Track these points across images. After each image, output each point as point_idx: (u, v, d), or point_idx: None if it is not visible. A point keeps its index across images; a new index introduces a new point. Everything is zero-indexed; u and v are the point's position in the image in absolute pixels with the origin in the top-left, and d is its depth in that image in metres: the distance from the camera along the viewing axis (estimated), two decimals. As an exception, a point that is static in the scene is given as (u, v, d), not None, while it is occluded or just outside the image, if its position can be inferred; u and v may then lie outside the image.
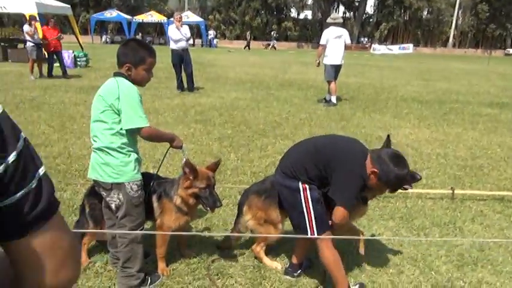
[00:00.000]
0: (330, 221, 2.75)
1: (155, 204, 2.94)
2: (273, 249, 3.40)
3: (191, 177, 2.83)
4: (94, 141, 2.71)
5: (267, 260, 3.25)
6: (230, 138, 6.94)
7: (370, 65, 25.39)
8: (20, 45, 20.40)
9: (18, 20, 28.32)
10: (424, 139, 7.43)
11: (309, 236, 2.72)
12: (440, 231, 3.92)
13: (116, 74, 2.70)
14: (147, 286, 2.86)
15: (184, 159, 2.88)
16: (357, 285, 2.88)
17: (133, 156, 2.72)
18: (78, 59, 17.57)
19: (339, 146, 2.79)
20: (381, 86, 14.46)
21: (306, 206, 2.69)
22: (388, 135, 3.19)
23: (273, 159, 5.84)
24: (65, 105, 9.13)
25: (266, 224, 3.12)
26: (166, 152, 3.08)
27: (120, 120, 2.58)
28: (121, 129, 2.61)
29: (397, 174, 2.60)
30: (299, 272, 3.16)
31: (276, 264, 3.24)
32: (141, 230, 2.83)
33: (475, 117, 9.67)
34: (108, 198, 2.76)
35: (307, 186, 2.69)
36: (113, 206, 2.75)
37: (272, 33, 48.34)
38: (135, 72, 2.67)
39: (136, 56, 2.65)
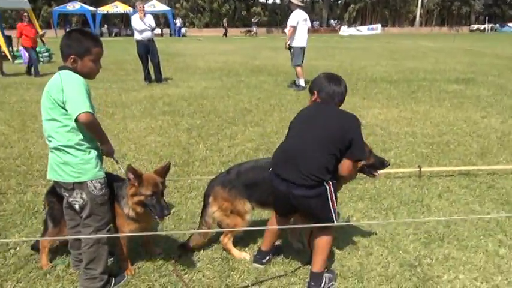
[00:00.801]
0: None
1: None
2: (241, 240, 3.34)
3: (136, 184, 2.66)
4: (49, 141, 2.55)
5: (235, 251, 3.19)
6: (199, 128, 6.81)
7: (339, 47, 25.49)
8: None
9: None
10: (392, 118, 7.50)
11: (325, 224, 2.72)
12: (408, 209, 3.96)
13: (60, 68, 2.54)
14: (111, 287, 2.76)
15: (125, 166, 2.71)
16: (326, 273, 2.85)
17: (94, 153, 2.58)
18: (40, 55, 16.93)
19: (329, 116, 2.74)
20: (351, 68, 14.52)
21: (331, 201, 2.65)
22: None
23: (243, 148, 5.77)
24: (26, 104, 8.76)
25: (232, 215, 3.05)
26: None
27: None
28: (75, 126, 2.48)
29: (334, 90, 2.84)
30: (268, 258, 3.13)
31: (245, 255, 3.19)
32: (108, 229, 2.70)
33: (442, 94, 9.83)
34: (70, 199, 2.62)
35: (330, 183, 2.64)
36: (77, 206, 2.62)
37: (253, 19, 47.78)
38: (81, 64, 2.52)
39: (80, 46, 2.50)
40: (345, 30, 47.93)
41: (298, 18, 10.26)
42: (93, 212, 2.62)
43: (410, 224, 3.69)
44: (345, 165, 2.67)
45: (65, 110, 2.43)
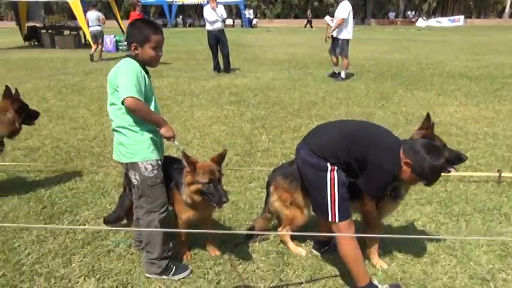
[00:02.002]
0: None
1: (171, 191, 2.86)
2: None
3: (190, 172, 2.67)
4: (112, 124, 2.69)
5: (291, 245, 3.13)
6: (263, 119, 6.80)
7: (416, 39, 24.11)
8: (66, 32, 21.19)
9: (65, 7, 29.28)
10: (471, 117, 6.93)
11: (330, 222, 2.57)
12: (483, 217, 3.62)
13: (126, 56, 2.65)
14: (170, 275, 2.78)
15: (181, 152, 2.72)
16: (387, 287, 2.64)
17: (147, 135, 2.63)
18: (119, 44, 17.99)
19: (374, 138, 2.57)
20: (427, 62, 13.68)
21: (331, 188, 2.53)
22: (428, 114, 2.97)
23: (306, 141, 5.65)
24: (105, 89, 9.25)
25: (292, 207, 2.99)
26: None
27: None
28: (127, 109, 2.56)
29: (431, 164, 2.43)
30: (326, 248, 3.09)
31: (301, 250, 3.11)
32: (162, 212, 2.75)
33: (531, 93, 8.90)
34: (131, 178, 2.73)
35: (335, 168, 2.53)
36: (134, 186, 2.73)
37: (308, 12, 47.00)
38: (142, 52, 2.58)
39: (140, 34, 2.57)
40: (422, 22, 45.28)
41: (349, 9, 9.96)
42: (144, 194, 2.69)
43: (484, 233, 3.37)
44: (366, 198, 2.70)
45: None
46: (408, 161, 2.46)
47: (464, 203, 3.89)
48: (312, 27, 41.44)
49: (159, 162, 2.72)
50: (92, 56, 14.27)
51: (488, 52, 16.90)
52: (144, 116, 2.57)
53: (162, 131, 2.67)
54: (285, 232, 3.10)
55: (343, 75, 10.42)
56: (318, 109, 7.50)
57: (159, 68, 12.40)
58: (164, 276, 2.78)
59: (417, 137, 2.90)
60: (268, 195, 3.10)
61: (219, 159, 2.78)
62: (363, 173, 2.54)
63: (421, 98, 8.43)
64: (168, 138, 2.73)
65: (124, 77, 2.49)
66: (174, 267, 2.82)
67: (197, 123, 6.55)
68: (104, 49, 15.24)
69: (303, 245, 3.22)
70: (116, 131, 2.65)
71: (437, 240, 3.25)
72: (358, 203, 2.77)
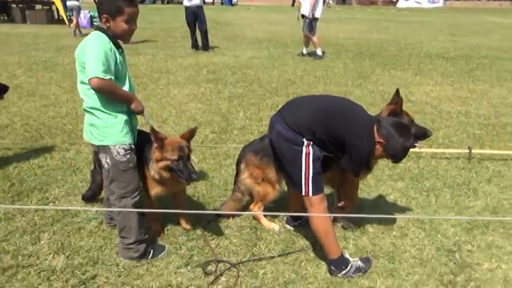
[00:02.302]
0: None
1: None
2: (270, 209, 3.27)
3: (159, 148, 2.60)
4: (83, 102, 2.55)
5: (264, 221, 3.14)
6: (241, 97, 6.75)
7: (395, 20, 24.17)
8: (38, 7, 20.38)
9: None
10: (445, 97, 7.04)
11: (303, 195, 2.59)
12: (452, 192, 3.71)
13: (96, 28, 2.51)
14: (148, 259, 2.72)
15: (149, 127, 2.64)
16: (359, 261, 2.68)
17: (121, 117, 2.53)
18: (94, 19, 17.42)
19: (351, 116, 2.59)
20: (405, 42, 13.76)
21: (305, 162, 2.52)
22: (397, 90, 2.99)
23: (283, 119, 5.64)
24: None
25: (263, 183, 2.99)
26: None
27: None
28: None
29: (404, 145, 2.57)
30: (299, 222, 3.12)
31: (274, 225, 3.13)
32: (135, 197, 2.64)
33: (504, 73, 9.08)
34: (102, 161, 2.64)
35: (311, 143, 2.53)
36: (105, 169, 2.64)
37: None
38: (114, 25, 2.43)
39: (113, 5, 2.41)
40: (403, 3, 45.35)
41: None
42: (115, 178, 2.59)
43: (453, 207, 3.46)
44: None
45: None
46: (382, 140, 2.54)
47: (435, 178, 3.97)
48: (293, 5, 41.02)
49: (132, 146, 2.62)
50: (74, 32, 13.93)
51: (466, 33, 17.10)
52: (112, 96, 2.45)
53: (133, 106, 2.59)
54: (257, 208, 3.11)
55: (319, 52, 10.44)
56: (296, 87, 7.47)
57: (135, 45, 12.18)
58: (142, 260, 2.72)
59: (386, 112, 2.94)
60: (238, 173, 3.08)
61: (189, 135, 2.72)
62: (340, 151, 2.57)
63: (398, 77, 8.50)
64: (139, 113, 2.66)
65: (91, 55, 2.33)
66: (152, 250, 2.76)
67: (173, 101, 6.45)
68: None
69: (276, 220, 3.24)
70: (87, 111, 2.53)
71: (406, 215, 3.32)
72: (333, 177, 2.80)
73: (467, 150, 4.37)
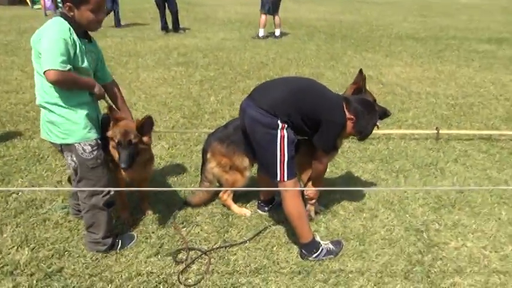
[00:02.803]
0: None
1: None
2: (242, 196, 3.26)
3: (112, 127, 2.51)
4: (37, 96, 2.37)
5: (235, 207, 3.12)
6: (212, 80, 6.63)
7: (367, 1, 24.19)
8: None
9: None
10: (415, 78, 7.13)
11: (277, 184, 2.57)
12: (421, 173, 3.78)
13: (59, 14, 2.31)
14: (117, 250, 2.64)
15: (107, 106, 2.57)
16: (330, 244, 2.69)
17: (82, 112, 2.36)
18: (59, 2, 16.67)
19: (321, 93, 2.63)
20: (376, 24, 13.82)
21: (280, 146, 2.48)
22: (361, 70, 2.99)
23: (255, 102, 5.59)
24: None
25: (232, 171, 2.95)
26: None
27: None
28: None
29: (373, 122, 2.66)
30: (270, 207, 3.13)
31: (245, 211, 3.11)
32: (106, 194, 2.52)
33: (471, 54, 9.27)
34: (67, 159, 2.49)
35: (285, 126, 2.49)
36: (71, 168, 2.50)
37: None
38: (78, 14, 2.24)
39: None
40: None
41: None
42: (84, 177, 2.47)
43: (421, 187, 3.53)
44: (321, 157, 2.70)
45: None
46: (352, 117, 2.57)
47: (404, 159, 4.04)
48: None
49: (99, 141, 2.49)
50: (45, 12, 13.58)
51: (436, 14, 17.32)
52: (74, 86, 2.30)
53: (96, 90, 2.43)
54: (227, 196, 3.08)
55: (260, 33, 10.43)
56: (268, 70, 7.41)
57: (102, 27, 11.71)
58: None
59: (351, 91, 2.97)
60: (204, 162, 3.03)
61: (141, 125, 2.55)
62: (314, 129, 2.56)
63: (369, 59, 8.54)
64: (102, 97, 2.54)
65: (47, 44, 2.14)
66: (120, 241, 2.68)
67: (143, 85, 6.28)
68: (41, 7, 14.12)
69: (247, 205, 3.22)
70: (43, 107, 2.35)
71: (377, 196, 3.37)
72: (300, 160, 2.78)
73: (435, 131, 4.45)
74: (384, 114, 3.01)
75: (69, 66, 2.19)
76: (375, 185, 3.55)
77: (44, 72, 2.14)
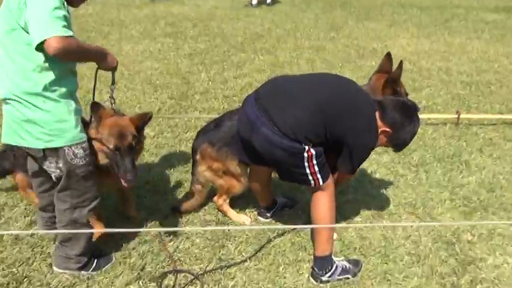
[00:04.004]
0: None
1: None
2: (241, 199, 2.76)
3: (96, 125, 2.01)
4: (2, 89, 1.84)
5: (232, 214, 2.63)
6: (203, 54, 6.00)
7: (364, -34, 23.18)
8: None
9: None
10: (423, 51, 6.57)
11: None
12: (444, 167, 3.31)
13: None
14: (89, 271, 2.17)
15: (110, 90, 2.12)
16: (345, 261, 2.25)
17: (72, 104, 1.88)
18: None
19: (353, 110, 2.07)
20: (376, -10, 13.04)
21: (309, 164, 2.03)
22: (389, 54, 2.46)
23: (250, 79, 5.03)
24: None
25: (226, 176, 2.45)
26: (96, 75, 2.19)
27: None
28: (45, 60, 1.76)
29: (413, 132, 2.14)
30: (273, 212, 2.68)
31: (245, 219, 2.64)
32: (94, 207, 2.08)
33: (480, 24, 8.67)
34: (45, 167, 1.97)
35: (311, 145, 2.01)
36: (53, 177, 1.99)
37: None
38: None
39: None
40: None
41: None
42: (70, 187, 1.97)
43: (446, 185, 3.06)
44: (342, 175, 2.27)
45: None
46: (387, 129, 2.08)
47: (423, 150, 3.55)
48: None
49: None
50: None
51: (436, -20, 16.50)
52: (81, 56, 1.84)
53: (108, 62, 1.99)
54: (222, 201, 2.58)
55: (269, 0, 9.73)
56: (263, 42, 6.77)
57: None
58: (83, 272, 2.16)
59: (378, 82, 2.43)
60: (194, 163, 2.51)
61: (139, 122, 2.08)
62: (339, 148, 2.10)
63: (372, 29, 7.91)
64: (113, 69, 2.07)
65: (41, 7, 1.66)
66: (96, 260, 2.20)
67: (126, 60, 5.63)
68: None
69: (247, 211, 2.73)
70: (16, 101, 1.81)
71: (397, 196, 2.90)
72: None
73: (456, 115, 3.95)
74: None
75: (71, 32, 1.71)
76: (392, 184, 3.07)
77: (43, 43, 1.64)
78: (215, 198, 2.61)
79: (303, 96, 2.06)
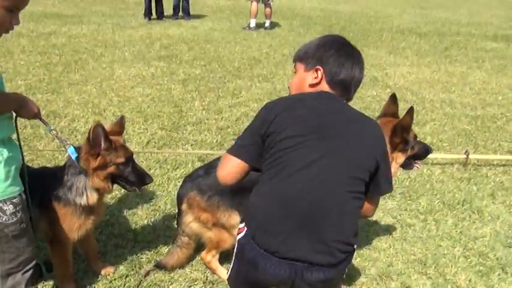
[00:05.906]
0: None
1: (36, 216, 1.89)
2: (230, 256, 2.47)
3: (104, 150, 1.87)
4: None
5: (221, 272, 2.33)
6: (197, 79, 5.78)
7: (362, -10, 23.38)
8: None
9: None
10: (424, 80, 6.40)
11: None
12: (454, 215, 3.04)
13: None
14: None
15: (54, 134, 1.93)
16: None
17: (5, 151, 1.62)
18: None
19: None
20: (375, 15, 13.03)
21: None
22: (394, 95, 2.23)
23: (246, 109, 4.79)
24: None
25: (216, 228, 2.17)
26: (16, 124, 1.79)
27: None
28: None
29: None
30: None
31: (235, 277, 2.33)
32: (30, 269, 1.80)
33: (480, 52, 8.57)
34: None
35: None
36: None
37: None
38: None
39: None
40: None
41: None
42: (1, 249, 1.69)
43: (458, 238, 2.79)
44: (368, 209, 1.65)
45: None
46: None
47: (431, 194, 3.29)
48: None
49: (23, 195, 1.71)
50: None
51: (434, 6, 16.59)
52: None
53: (25, 110, 1.73)
54: (211, 256, 2.29)
55: (251, 23, 9.60)
56: (261, 68, 6.57)
57: (80, 12, 10.70)
58: None
59: (386, 128, 2.14)
60: (180, 213, 2.24)
61: (119, 128, 2.04)
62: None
63: (372, 56, 7.76)
64: (34, 117, 1.81)
65: None
66: None
67: (116, 85, 5.40)
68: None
69: (239, 267, 2.44)
70: None
71: (405, 251, 2.63)
72: None
73: (464, 156, 3.71)
74: (426, 152, 2.29)
75: None
76: (399, 236, 2.79)
77: None
78: (203, 254, 2.31)
79: (335, 207, 1.49)
